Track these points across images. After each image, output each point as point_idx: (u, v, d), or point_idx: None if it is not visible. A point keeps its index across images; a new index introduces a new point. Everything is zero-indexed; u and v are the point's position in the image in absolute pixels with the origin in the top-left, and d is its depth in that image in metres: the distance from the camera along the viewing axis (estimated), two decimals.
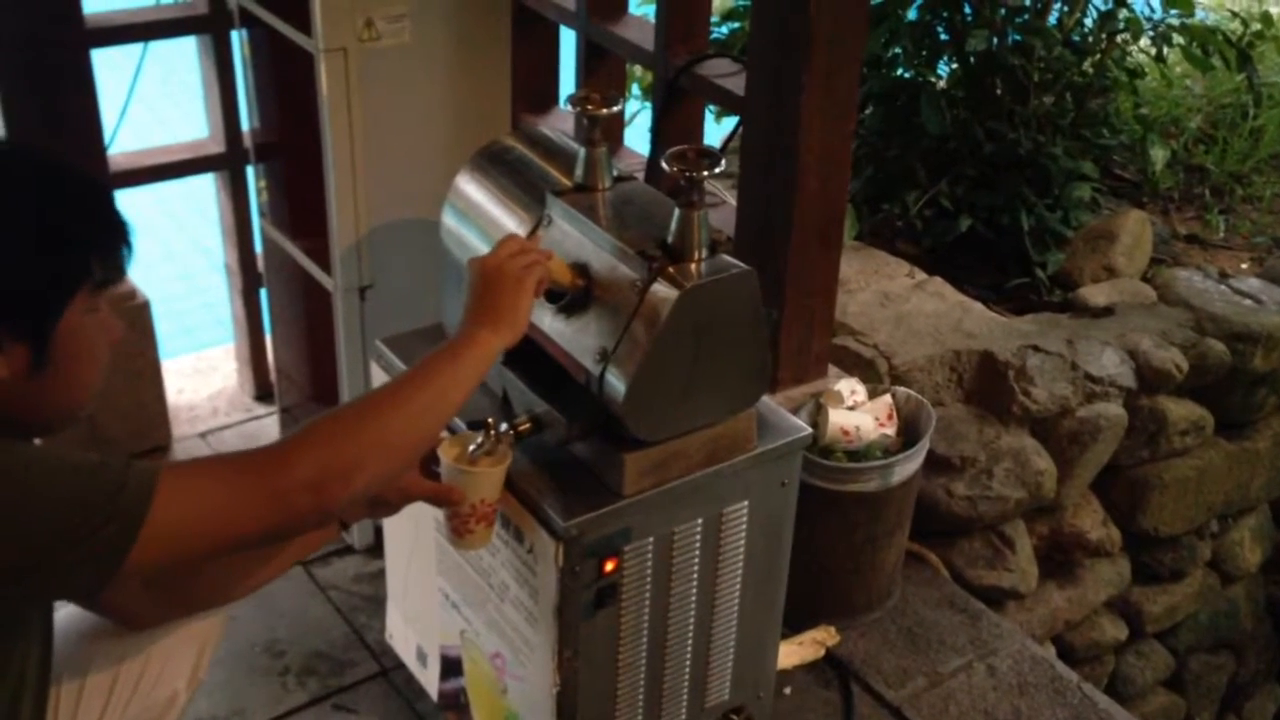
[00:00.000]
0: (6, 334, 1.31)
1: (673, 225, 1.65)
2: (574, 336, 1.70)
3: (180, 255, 5.53)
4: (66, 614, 1.63)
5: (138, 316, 2.85)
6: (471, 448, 1.65)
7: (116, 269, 1.39)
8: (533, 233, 1.80)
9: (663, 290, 1.62)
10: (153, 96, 3.79)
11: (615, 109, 1.79)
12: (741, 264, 1.68)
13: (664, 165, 1.63)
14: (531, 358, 1.73)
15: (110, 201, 1.40)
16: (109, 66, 2.74)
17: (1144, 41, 3.57)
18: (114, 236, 1.39)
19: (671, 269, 1.63)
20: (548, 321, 1.73)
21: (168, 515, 1.28)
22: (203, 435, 3.12)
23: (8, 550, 1.23)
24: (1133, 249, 3.30)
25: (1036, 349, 2.83)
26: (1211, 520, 3.25)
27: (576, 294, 1.70)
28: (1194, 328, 3.05)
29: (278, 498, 1.34)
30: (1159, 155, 3.62)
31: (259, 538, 1.39)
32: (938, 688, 2.39)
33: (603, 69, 2.69)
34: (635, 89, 3.79)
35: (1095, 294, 3.17)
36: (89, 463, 1.28)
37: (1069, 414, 2.80)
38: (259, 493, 1.34)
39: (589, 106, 1.76)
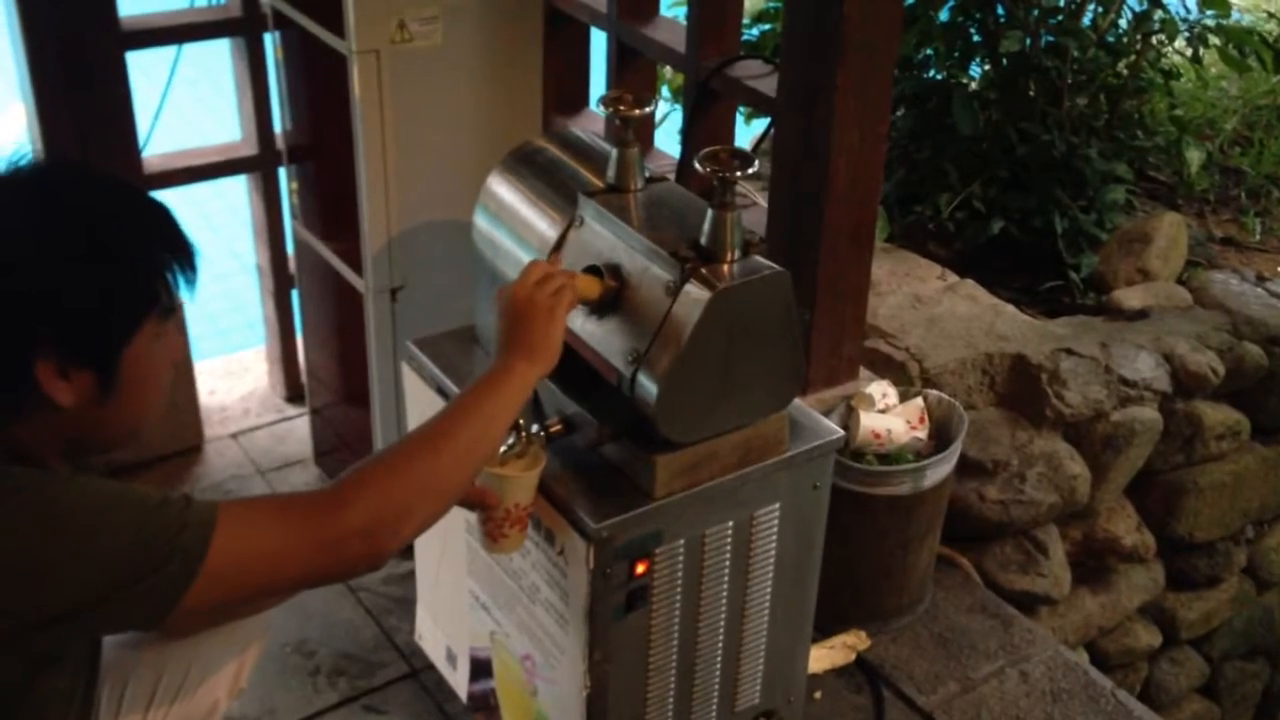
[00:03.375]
0: (73, 362, 1.30)
1: (705, 226, 1.64)
2: (606, 338, 1.69)
3: (212, 257, 5.53)
4: None
5: None
6: (502, 449, 1.65)
7: (183, 293, 1.39)
8: (564, 234, 1.80)
9: (695, 291, 1.61)
10: (184, 99, 3.80)
11: (647, 110, 1.79)
12: (774, 265, 1.67)
13: (697, 166, 1.62)
14: (563, 359, 1.72)
15: (177, 225, 1.39)
16: (141, 69, 2.75)
17: (1179, 42, 3.54)
18: (182, 262, 1.38)
19: (704, 270, 1.62)
20: (579, 323, 1.72)
21: (224, 557, 1.28)
22: (234, 436, 3.14)
23: (69, 589, 1.23)
24: (1168, 251, 3.27)
25: (1070, 352, 2.81)
26: (1247, 526, 3.21)
27: (608, 295, 1.70)
28: (1230, 331, 3.02)
29: (332, 545, 1.35)
30: (1194, 157, 3.58)
31: (310, 582, 1.40)
32: (969, 694, 2.38)
33: (633, 70, 2.68)
34: (665, 90, 3.78)
35: (1130, 297, 3.14)
36: (150, 501, 1.28)
37: (1103, 418, 2.78)
38: (313, 539, 1.34)
39: (621, 108, 1.76)
